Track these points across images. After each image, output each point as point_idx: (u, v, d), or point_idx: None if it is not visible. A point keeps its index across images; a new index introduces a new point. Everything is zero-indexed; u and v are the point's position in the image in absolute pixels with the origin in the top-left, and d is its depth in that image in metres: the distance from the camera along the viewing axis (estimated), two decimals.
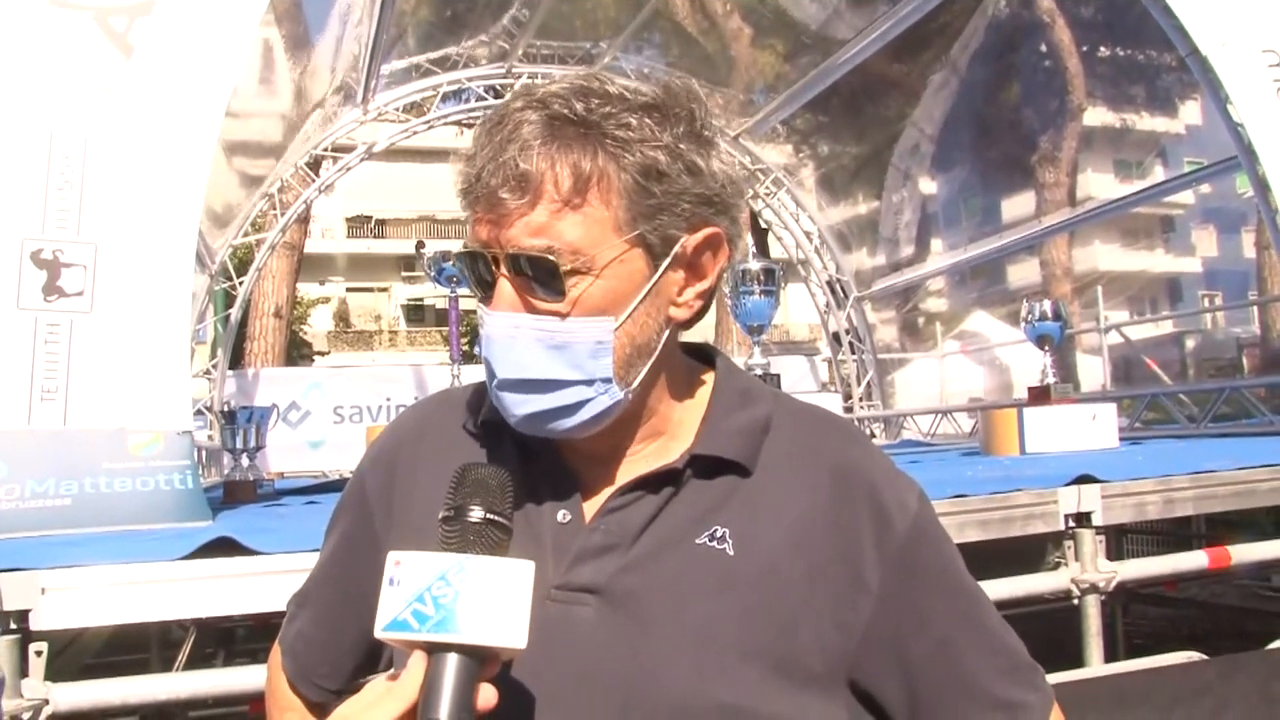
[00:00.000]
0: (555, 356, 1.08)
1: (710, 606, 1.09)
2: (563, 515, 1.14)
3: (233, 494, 5.23)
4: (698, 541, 1.11)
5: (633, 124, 1.07)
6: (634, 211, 1.08)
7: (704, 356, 1.28)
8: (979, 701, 1.15)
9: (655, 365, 1.14)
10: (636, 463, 1.17)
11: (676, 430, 1.19)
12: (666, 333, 1.15)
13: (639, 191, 1.07)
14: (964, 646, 1.16)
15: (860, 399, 11.52)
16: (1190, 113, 9.17)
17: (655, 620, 1.08)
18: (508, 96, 1.13)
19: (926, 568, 1.17)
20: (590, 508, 1.15)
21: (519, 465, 1.13)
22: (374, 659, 1.30)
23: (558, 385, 1.09)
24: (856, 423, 11.27)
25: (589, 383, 1.09)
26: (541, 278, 1.07)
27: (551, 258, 1.05)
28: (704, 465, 1.15)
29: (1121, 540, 7.40)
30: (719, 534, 1.11)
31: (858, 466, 1.18)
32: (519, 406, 1.10)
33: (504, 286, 1.09)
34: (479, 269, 1.12)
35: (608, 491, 1.15)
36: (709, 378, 1.24)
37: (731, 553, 1.11)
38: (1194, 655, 3.01)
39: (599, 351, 1.09)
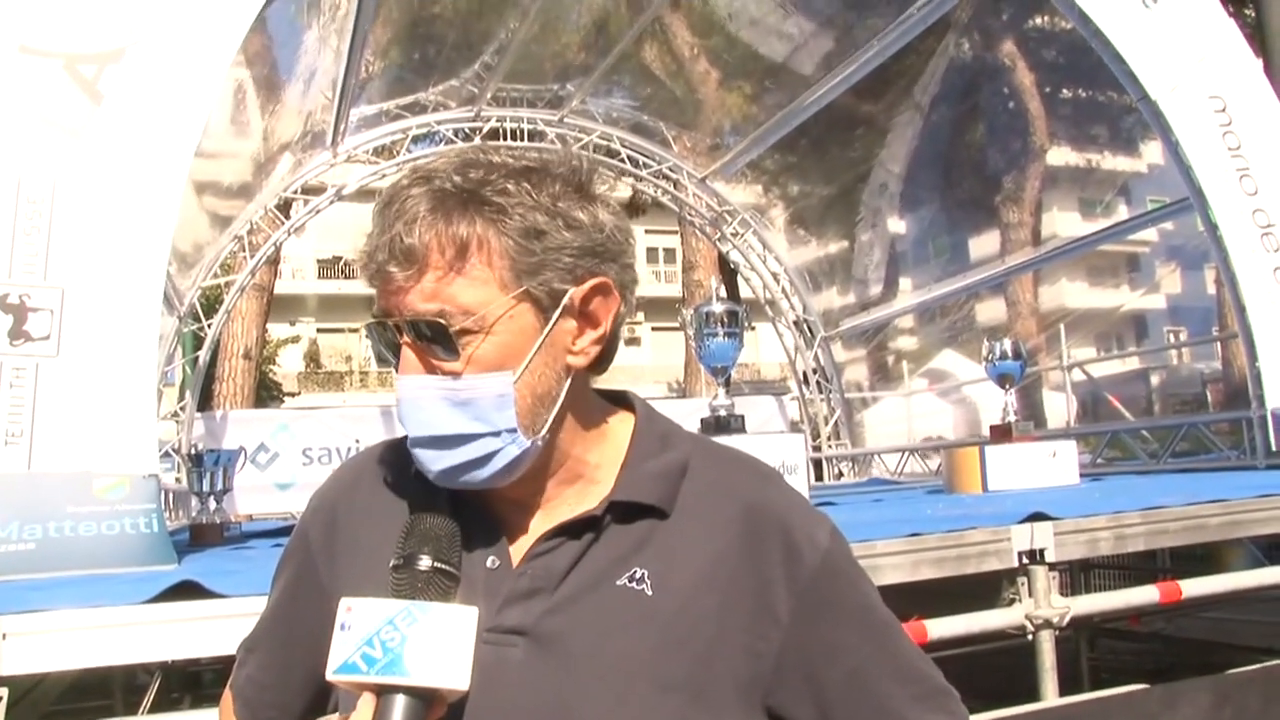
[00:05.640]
0: (460, 412, 1.15)
1: (630, 643, 1.15)
2: (491, 561, 1.20)
3: (199, 537, 5.23)
4: (618, 583, 1.17)
5: (510, 189, 1.15)
6: (517, 270, 1.15)
7: (624, 402, 1.34)
8: None
9: (561, 411, 1.20)
10: (559, 508, 1.23)
11: (596, 474, 1.25)
12: (568, 380, 1.21)
13: (520, 250, 1.15)
14: (876, 674, 1.22)
15: (828, 438, 11.58)
16: (1152, 152, 9.27)
17: (579, 658, 1.14)
18: (398, 176, 1.21)
19: (837, 600, 1.23)
20: (517, 552, 1.21)
21: (451, 513, 1.18)
22: (323, 701, 1.34)
23: (466, 439, 1.15)
24: (825, 461, 11.32)
25: (495, 434, 1.15)
26: (437, 339, 1.14)
27: (442, 320, 1.13)
28: (623, 510, 1.21)
29: (1088, 575, 7.47)
30: (638, 575, 1.18)
31: (770, 505, 1.25)
32: (434, 462, 1.17)
33: (406, 352, 1.17)
34: (385, 337, 1.19)
35: (534, 537, 1.21)
36: (628, 422, 1.31)
37: (650, 593, 1.17)
38: (1141, 686, 3.06)
39: (501, 404, 1.15)
